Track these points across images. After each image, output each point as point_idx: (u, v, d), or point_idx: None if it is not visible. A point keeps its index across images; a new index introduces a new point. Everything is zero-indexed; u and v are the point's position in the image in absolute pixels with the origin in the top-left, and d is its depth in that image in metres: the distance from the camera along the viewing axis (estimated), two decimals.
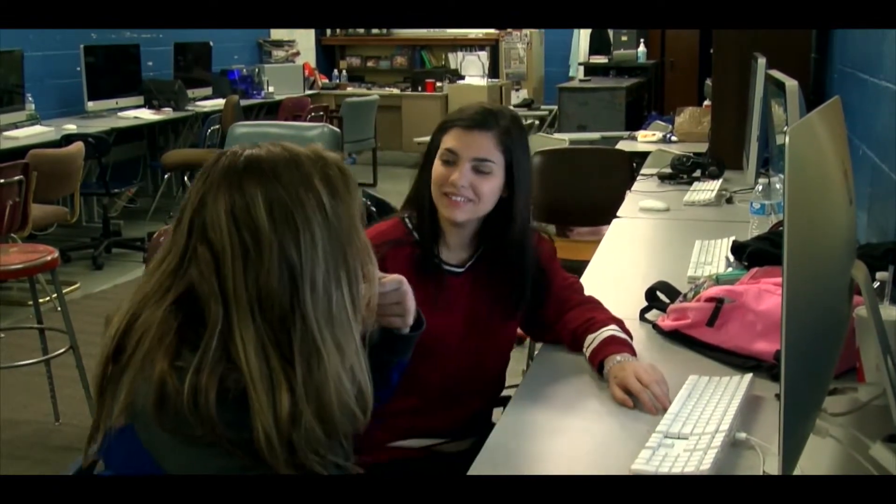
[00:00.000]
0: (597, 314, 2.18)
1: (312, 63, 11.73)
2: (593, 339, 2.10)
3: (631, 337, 2.14)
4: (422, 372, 2.13)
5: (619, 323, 2.17)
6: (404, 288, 1.70)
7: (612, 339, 2.08)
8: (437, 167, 2.11)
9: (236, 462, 1.31)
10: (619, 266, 3.03)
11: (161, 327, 1.34)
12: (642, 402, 1.87)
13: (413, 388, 2.14)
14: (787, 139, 1.20)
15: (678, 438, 1.66)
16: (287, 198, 1.36)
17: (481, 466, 1.67)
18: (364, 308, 1.45)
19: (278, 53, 11.13)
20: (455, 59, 11.93)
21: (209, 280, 1.34)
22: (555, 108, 9.82)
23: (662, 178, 4.32)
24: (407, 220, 2.18)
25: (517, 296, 2.19)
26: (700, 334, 2.19)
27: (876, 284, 1.93)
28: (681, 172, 4.29)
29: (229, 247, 1.34)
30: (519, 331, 2.34)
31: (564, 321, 2.20)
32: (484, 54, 11.76)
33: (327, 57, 12.48)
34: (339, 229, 1.38)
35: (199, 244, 1.36)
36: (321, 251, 1.35)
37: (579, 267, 2.77)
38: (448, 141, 2.10)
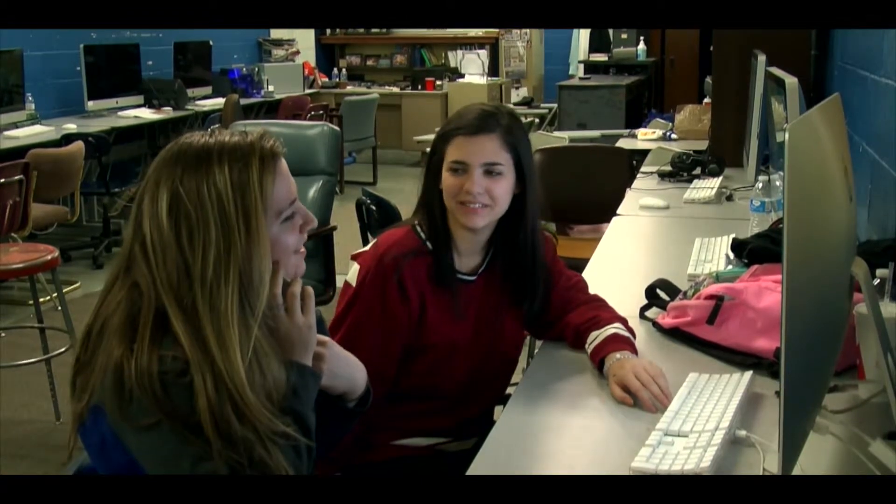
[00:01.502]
0: (601, 312, 2.18)
1: (312, 62, 11.73)
2: (596, 337, 2.10)
3: (634, 336, 2.14)
4: (433, 378, 2.15)
5: (623, 321, 2.17)
6: (325, 352, 1.63)
7: (614, 337, 2.08)
8: (448, 178, 2.09)
9: (189, 449, 1.36)
10: (620, 264, 3.03)
11: (119, 315, 1.44)
12: (641, 401, 1.87)
13: (423, 393, 2.16)
14: (786, 136, 1.20)
15: (678, 436, 1.66)
16: (185, 196, 1.43)
17: (481, 465, 1.67)
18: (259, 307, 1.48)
19: (278, 52, 11.13)
20: (455, 58, 11.92)
21: (141, 269, 1.45)
22: (555, 106, 9.81)
23: (662, 175, 4.32)
24: (419, 229, 2.16)
25: (529, 298, 2.19)
26: (700, 332, 2.19)
27: (876, 281, 1.93)
28: (681, 170, 4.29)
29: (148, 239, 1.44)
30: None
31: (567, 319, 2.20)
32: (484, 52, 11.75)
33: (327, 56, 12.48)
34: (238, 231, 1.43)
35: (133, 233, 1.48)
36: (213, 248, 1.42)
37: (580, 265, 2.76)
38: (453, 151, 2.09)
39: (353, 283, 2.12)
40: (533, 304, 2.20)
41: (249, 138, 1.50)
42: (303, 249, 1.58)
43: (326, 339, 1.66)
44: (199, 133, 1.52)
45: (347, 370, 1.70)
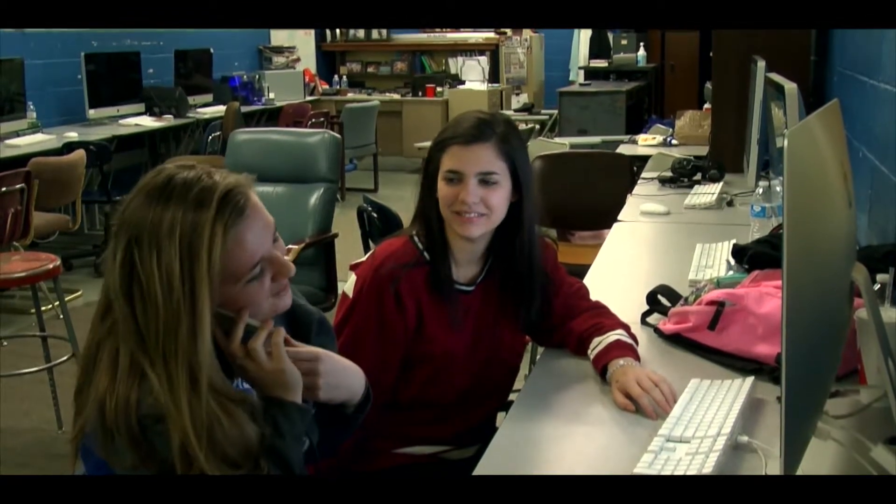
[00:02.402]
0: (604, 319, 2.18)
1: (313, 69, 11.74)
2: (598, 343, 2.10)
3: (637, 342, 2.14)
4: (433, 388, 2.15)
5: (626, 328, 2.17)
6: (322, 367, 1.62)
7: (616, 344, 2.08)
8: (443, 188, 2.08)
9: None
10: (621, 270, 3.03)
11: (109, 343, 1.45)
12: (642, 407, 1.87)
13: (423, 402, 2.16)
14: (786, 142, 1.20)
15: (680, 442, 1.66)
16: (140, 264, 1.42)
17: (483, 471, 1.67)
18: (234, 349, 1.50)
19: (279, 60, 11.14)
20: (455, 64, 11.93)
21: (113, 312, 1.46)
22: (555, 112, 9.81)
23: (663, 181, 4.32)
24: (416, 240, 2.15)
25: (527, 306, 2.19)
26: (701, 338, 2.19)
27: (876, 287, 1.93)
28: (681, 176, 4.29)
29: (111, 292, 1.46)
30: None
31: (570, 326, 2.20)
32: (484, 59, 11.76)
33: (327, 63, 12.49)
34: (182, 310, 1.41)
35: (102, 298, 1.49)
36: (162, 324, 1.41)
37: (581, 271, 2.77)
38: (448, 160, 2.08)
39: (351, 295, 2.12)
40: (530, 311, 2.19)
41: (212, 195, 1.43)
42: (284, 293, 1.55)
43: (321, 351, 1.64)
44: (165, 175, 1.46)
45: (346, 381, 1.68)
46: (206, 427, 1.40)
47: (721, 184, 4.10)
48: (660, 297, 2.46)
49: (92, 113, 7.66)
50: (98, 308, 1.50)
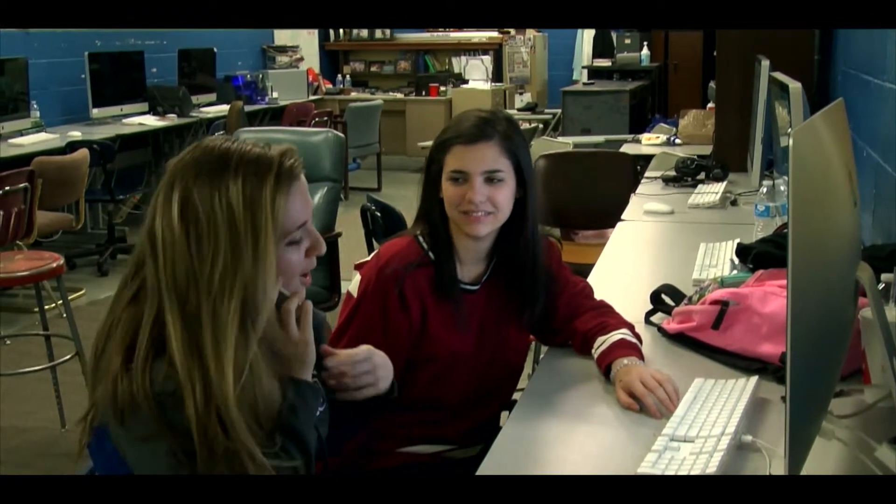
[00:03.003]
0: (608, 318, 2.18)
1: (316, 68, 11.74)
2: (602, 343, 2.10)
3: (641, 342, 2.14)
4: (437, 388, 2.15)
5: (630, 327, 2.17)
6: (375, 360, 1.70)
7: (621, 343, 2.08)
8: (449, 188, 2.08)
9: (183, 459, 1.38)
10: (624, 269, 3.03)
11: (122, 327, 1.44)
12: (646, 407, 1.87)
13: (428, 402, 2.16)
14: (791, 141, 1.20)
15: (684, 441, 1.66)
16: (199, 202, 1.42)
17: (487, 471, 1.67)
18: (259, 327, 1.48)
19: (282, 59, 11.14)
20: (459, 64, 11.92)
21: (150, 267, 1.44)
22: (559, 111, 9.81)
23: (667, 180, 4.32)
24: (420, 239, 2.15)
25: (530, 306, 2.18)
26: (705, 337, 2.19)
27: (881, 286, 1.93)
28: (685, 175, 4.29)
29: (159, 237, 1.43)
30: None
31: (575, 325, 2.20)
32: (487, 58, 11.76)
33: (331, 62, 12.49)
34: (246, 247, 1.42)
35: (146, 231, 1.46)
36: (221, 258, 1.41)
37: (584, 270, 2.76)
38: (452, 161, 2.08)
39: (355, 294, 2.12)
40: (534, 310, 2.19)
41: (271, 153, 1.49)
42: (308, 277, 1.57)
43: (369, 347, 1.71)
44: (223, 138, 1.51)
45: (389, 373, 1.74)
46: (251, 370, 1.42)
47: (725, 183, 4.10)
48: (663, 296, 2.46)
49: (95, 112, 7.67)
50: (122, 279, 1.50)
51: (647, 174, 4.60)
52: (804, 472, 1.38)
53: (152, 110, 8.13)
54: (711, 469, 1.54)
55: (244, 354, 1.42)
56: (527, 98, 11.46)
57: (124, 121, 7.79)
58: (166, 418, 1.38)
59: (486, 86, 11.13)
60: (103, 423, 1.44)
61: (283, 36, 11.35)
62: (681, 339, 2.24)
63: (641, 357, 2.06)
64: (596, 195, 4.71)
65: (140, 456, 1.42)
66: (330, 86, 11.86)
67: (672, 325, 2.29)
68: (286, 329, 1.54)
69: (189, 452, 1.38)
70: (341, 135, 4.55)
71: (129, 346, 1.42)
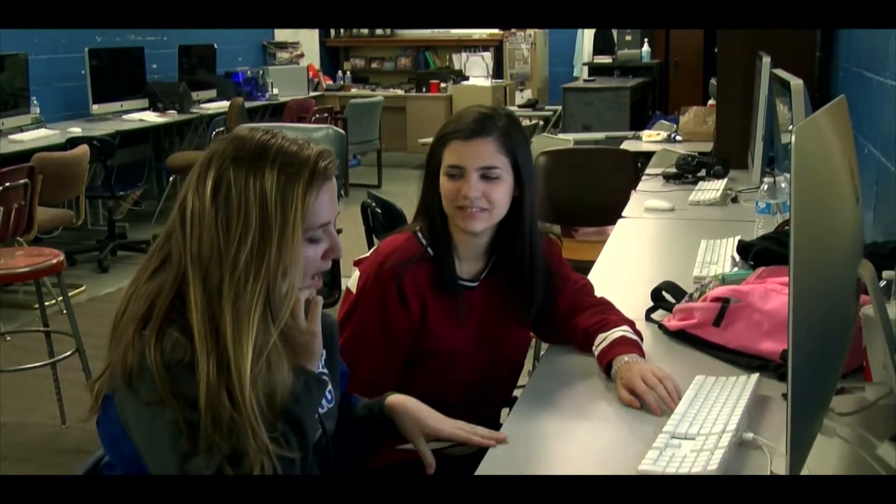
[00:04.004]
0: (609, 315, 2.18)
1: (317, 65, 11.74)
2: (603, 339, 2.09)
3: (642, 339, 2.14)
4: (437, 385, 2.14)
5: (631, 324, 2.16)
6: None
7: (621, 340, 2.07)
8: (445, 183, 2.08)
9: (180, 444, 1.39)
10: (625, 266, 3.03)
11: (142, 295, 1.48)
12: (647, 404, 1.87)
13: (427, 399, 2.15)
14: (793, 138, 1.20)
15: (685, 439, 1.66)
16: (233, 182, 1.46)
17: (487, 468, 1.67)
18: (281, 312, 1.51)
19: (282, 55, 11.14)
20: (459, 60, 11.91)
21: (177, 238, 1.48)
22: (559, 108, 9.81)
23: (667, 177, 4.32)
24: (419, 235, 2.15)
25: (529, 303, 2.18)
26: (706, 334, 2.19)
27: (882, 283, 1.93)
28: (686, 172, 4.29)
29: (188, 209, 1.47)
30: None
31: (576, 322, 2.20)
32: (488, 55, 11.75)
33: (331, 58, 12.49)
34: (274, 234, 1.46)
35: (178, 205, 1.50)
36: (249, 241, 1.44)
37: (585, 267, 2.76)
38: (450, 155, 2.07)
39: (354, 290, 2.12)
40: (532, 307, 2.19)
41: (308, 151, 1.52)
42: (319, 279, 1.60)
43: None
44: (263, 130, 1.54)
45: None
46: (266, 355, 1.45)
47: (725, 180, 4.09)
48: (664, 293, 2.46)
49: (95, 108, 7.66)
50: (148, 254, 1.54)
51: (647, 171, 4.60)
52: (805, 469, 1.38)
53: (152, 106, 8.13)
54: (712, 466, 1.54)
55: (264, 338, 1.45)
56: (527, 95, 11.45)
57: (124, 117, 7.79)
58: (173, 385, 1.40)
59: (487, 82, 11.12)
60: (112, 388, 1.46)
61: (283, 32, 11.35)
62: (682, 337, 2.24)
63: (642, 354, 2.06)
64: (596, 192, 4.71)
65: (140, 420, 1.43)
66: (330, 82, 11.86)
67: (673, 323, 2.28)
68: (295, 319, 1.56)
69: (190, 423, 1.39)
70: (341, 131, 4.56)
71: (144, 315, 1.45)
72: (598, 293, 2.30)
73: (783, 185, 3.16)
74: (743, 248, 2.66)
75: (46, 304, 4.41)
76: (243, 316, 1.43)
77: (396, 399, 1.88)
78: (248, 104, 8.91)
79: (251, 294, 1.43)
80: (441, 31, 12.11)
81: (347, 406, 1.88)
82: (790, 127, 2.95)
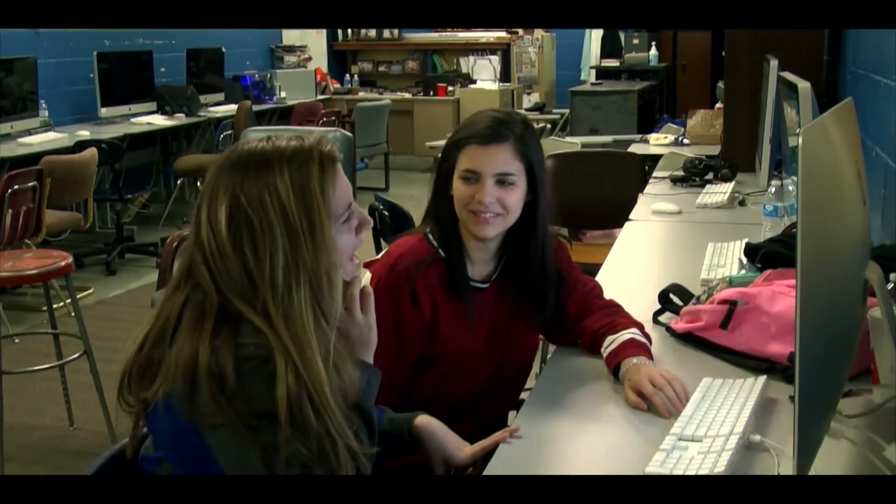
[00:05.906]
0: (617, 318, 2.18)
1: (324, 68, 11.75)
2: (612, 342, 2.09)
3: (650, 342, 2.14)
4: (446, 387, 2.15)
5: (640, 327, 2.17)
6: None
7: (630, 343, 2.07)
8: (459, 187, 2.08)
9: (259, 441, 1.37)
10: (632, 269, 3.03)
11: (190, 311, 1.45)
12: (655, 406, 1.87)
13: (436, 401, 2.15)
14: (800, 140, 1.20)
15: (692, 441, 1.66)
16: (247, 204, 1.44)
17: (494, 470, 1.67)
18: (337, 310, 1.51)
19: (290, 59, 11.15)
20: (467, 64, 11.91)
21: (203, 274, 1.45)
22: (567, 111, 9.81)
23: (675, 180, 4.32)
24: (430, 237, 2.15)
25: (539, 305, 2.18)
26: (713, 336, 2.19)
27: (890, 286, 1.92)
28: (693, 175, 4.28)
29: (206, 248, 1.45)
30: None
31: (584, 325, 2.20)
32: (495, 58, 11.74)
33: (339, 62, 12.50)
34: (303, 236, 1.45)
35: (194, 242, 1.48)
36: (281, 255, 1.43)
37: (592, 270, 2.76)
38: (465, 160, 2.07)
39: None
40: (543, 310, 2.19)
41: (307, 143, 1.51)
42: (356, 259, 1.59)
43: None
44: (255, 140, 1.53)
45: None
46: (334, 361, 1.45)
47: (733, 183, 4.09)
48: (672, 296, 2.45)
49: (104, 111, 7.68)
50: (172, 282, 1.51)
51: (655, 174, 4.59)
52: (812, 471, 1.37)
53: (160, 110, 8.14)
54: (720, 468, 1.54)
55: (325, 345, 1.45)
56: (535, 98, 11.46)
57: (133, 120, 7.81)
58: (245, 390, 1.38)
59: (494, 86, 11.12)
60: (171, 394, 1.42)
61: (291, 36, 11.37)
62: (689, 339, 2.24)
63: (650, 357, 2.06)
64: (604, 195, 4.70)
65: (214, 440, 1.40)
66: (338, 85, 11.87)
67: (680, 325, 2.28)
68: (351, 313, 1.57)
69: (266, 418, 1.37)
70: (349, 134, 4.57)
71: (201, 333, 1.41)
72: (606, 296, 2.30)
73: (791, 187, 3.16)
74: (750, 251, 2.66)
75: (55, 306, 4.42)
76: (300, 329, 1.41)
77: (424, 421, 1.88)
78: (255, 107, 8.93)
79: (298, 305, 1.42)
80: (448, 34, 12.12)
81: None
82: (797, 130, 2.94)
